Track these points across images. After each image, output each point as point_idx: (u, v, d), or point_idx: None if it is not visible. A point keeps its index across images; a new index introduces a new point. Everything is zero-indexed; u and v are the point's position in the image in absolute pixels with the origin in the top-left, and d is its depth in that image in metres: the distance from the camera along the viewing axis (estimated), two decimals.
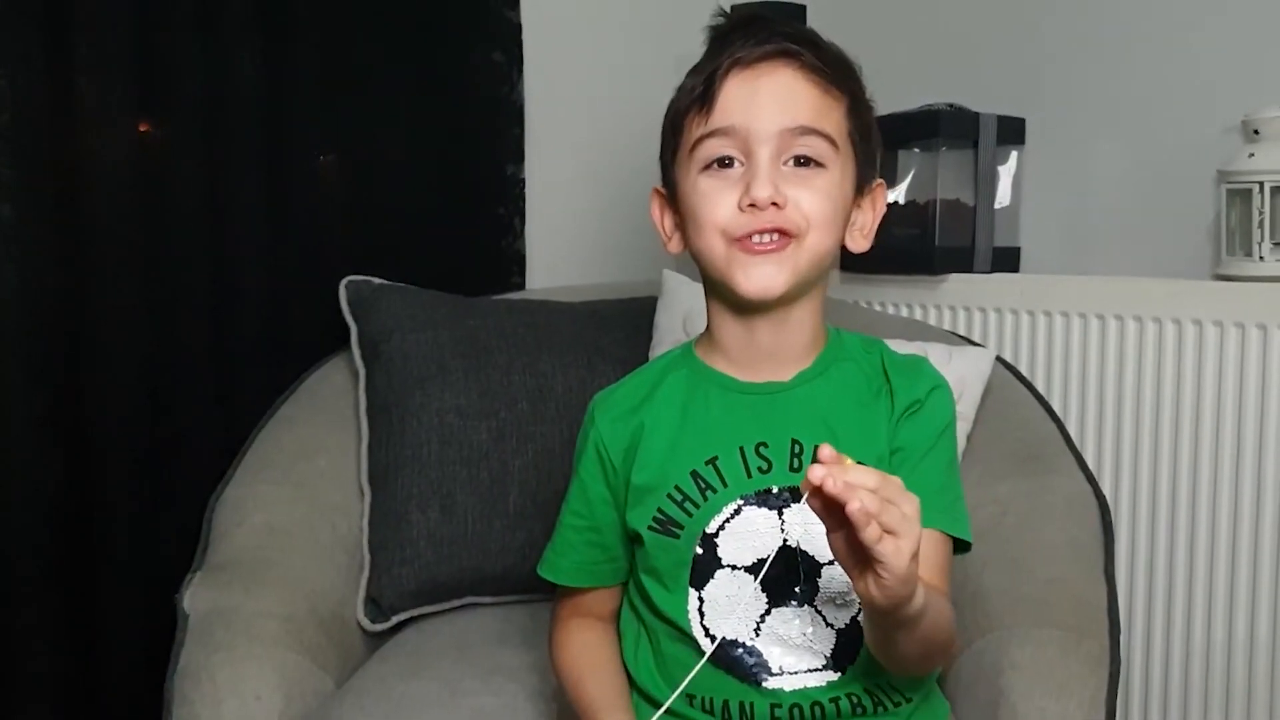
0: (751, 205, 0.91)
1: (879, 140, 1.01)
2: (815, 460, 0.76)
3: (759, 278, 0.93)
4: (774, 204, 0.91)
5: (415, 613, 1.42)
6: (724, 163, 0.94)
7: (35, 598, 1.46)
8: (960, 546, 1.00)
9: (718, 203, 0.93)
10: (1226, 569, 1.52)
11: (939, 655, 0.98)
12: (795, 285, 0.94)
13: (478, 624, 1.39)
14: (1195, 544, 1.55)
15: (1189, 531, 1.55)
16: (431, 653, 1.31)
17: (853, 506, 0.74)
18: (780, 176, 0.92)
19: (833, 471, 0.74)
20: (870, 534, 0.75)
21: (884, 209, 1.02)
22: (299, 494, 1.43)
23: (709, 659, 0.95)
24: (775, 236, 0.92)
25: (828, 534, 0.80)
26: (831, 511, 0.77)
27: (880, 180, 1.02)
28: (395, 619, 1.41)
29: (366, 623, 1.39)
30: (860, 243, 1.00)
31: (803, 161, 0.93)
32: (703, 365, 1.02)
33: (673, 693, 0.94)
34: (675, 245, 1.01)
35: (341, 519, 1.44)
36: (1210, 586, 1.54)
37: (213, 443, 1.58)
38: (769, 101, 0.93)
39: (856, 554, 0.79)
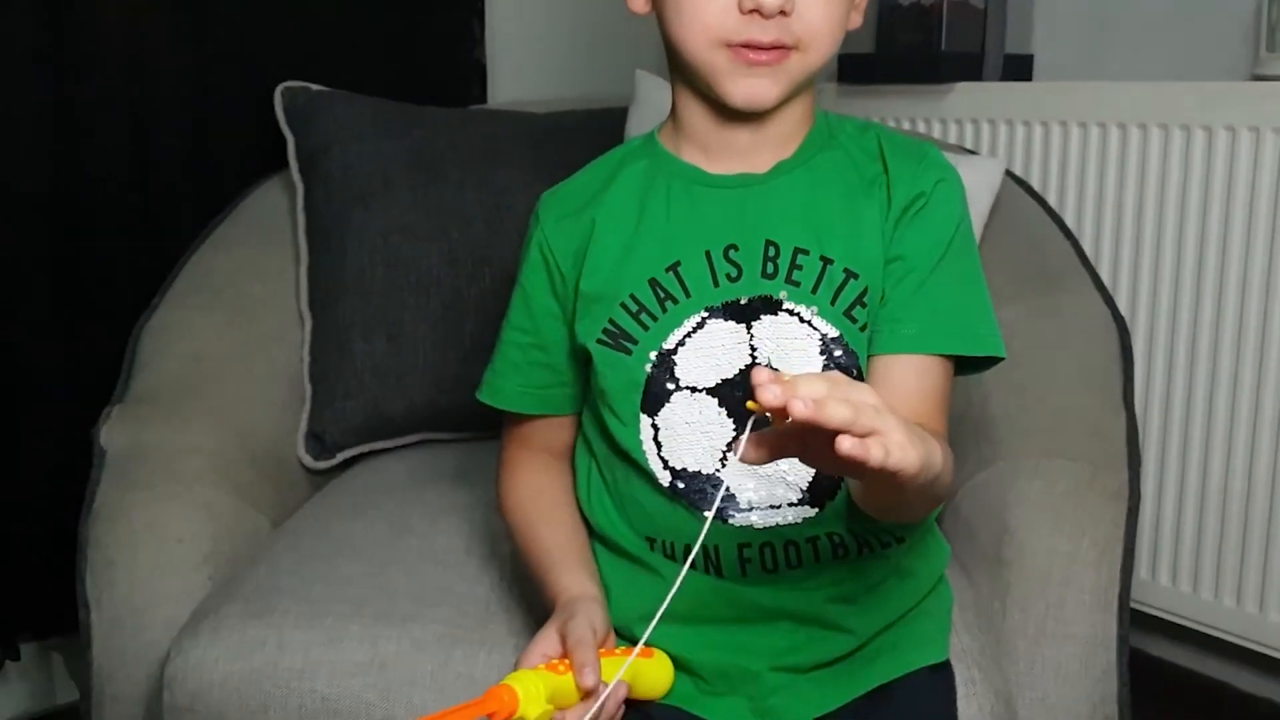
0: (754, 10, 0.78)
1: None
2: (754, 384, 0.59)
3: (748, 88, 0.81)
4: (782, 12, 0.78)
5: (363, 449, 1.32)
6: None
7: None
8: (983, 363, 0.87)
9: None
10: (1250, 399, 1.43)
11: (932, 506, 0.88)
12: (789, 94, 0.83)
13: (431, 462, 1.29)
14: (1218, 371, 1.46)
15: (1210, 357, 1.46)
16: (378, 490, 1.21)
17: (843, 444, 0.59)
18: None
19: (786, 390, 0.58)
20: (876, 456, 0.60)
21: None
22: (232, 321, 1.32)
23: (667, 494, 0.83)
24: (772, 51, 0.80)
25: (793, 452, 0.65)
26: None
27: None
28: (341, 456, 1.31)
29: (309, 460, 1.29)
30: (856, 19, 0.87)
31: None
32: (666, 154, 0.89)
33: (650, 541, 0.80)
34: (640, 3, 0.85)
35: (279, 349, 1.33)
36: (1232, 416, 1.45)
37: (139, 269, 1.46)
38: None
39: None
